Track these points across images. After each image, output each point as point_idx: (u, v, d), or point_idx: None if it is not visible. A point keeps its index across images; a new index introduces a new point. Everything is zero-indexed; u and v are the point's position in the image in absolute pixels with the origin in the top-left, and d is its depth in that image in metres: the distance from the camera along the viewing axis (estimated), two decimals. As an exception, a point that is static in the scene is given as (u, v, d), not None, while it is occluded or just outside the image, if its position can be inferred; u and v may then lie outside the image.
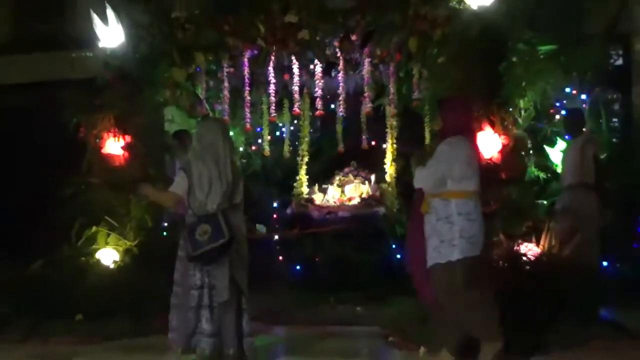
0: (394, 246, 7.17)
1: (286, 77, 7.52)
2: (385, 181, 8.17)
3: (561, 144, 6.76)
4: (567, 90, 6.89)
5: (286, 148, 8.43)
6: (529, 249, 5.76)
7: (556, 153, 6.79)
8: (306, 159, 8.48)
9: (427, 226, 4.53)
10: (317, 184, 8.37)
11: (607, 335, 5.04)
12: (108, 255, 6.58)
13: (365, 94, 7.37)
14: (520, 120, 6.26)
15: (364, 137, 8.12)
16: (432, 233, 4.48)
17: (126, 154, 6.94)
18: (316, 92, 7.37)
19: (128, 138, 6.95)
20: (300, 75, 7.32)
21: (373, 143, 8.29)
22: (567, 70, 6.47)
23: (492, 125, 6.00)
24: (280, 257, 7.48)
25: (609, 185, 6.61)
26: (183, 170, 4.64)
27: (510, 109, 6.15)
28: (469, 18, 6.16)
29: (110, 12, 6.96)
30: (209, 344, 4.48)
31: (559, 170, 6.69)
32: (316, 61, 7.23)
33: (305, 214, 7.93)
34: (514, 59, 6.15)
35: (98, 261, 6.54)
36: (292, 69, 7.26)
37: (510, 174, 6.12)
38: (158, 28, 7.00)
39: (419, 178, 4.69)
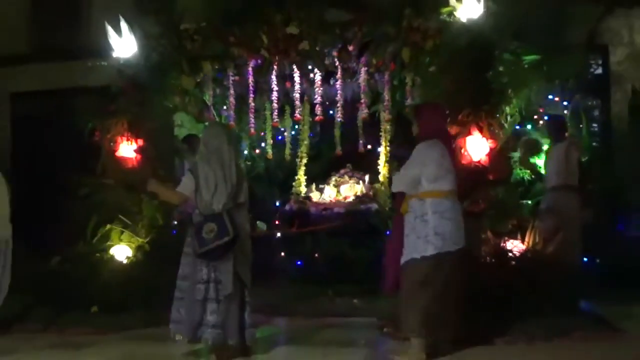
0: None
1: (288, 85, 7.52)
2: (378, 181, 8.19)
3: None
4: (550, 97, 6.91)
5: (287, 151, 8.43)
6: (515, 246, 5.78)
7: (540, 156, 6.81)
8: (305, 161, 8.48)
9: (407, 225, 4.55)
10: (314, 184, 8.37)
11: (588, 326, 5.05)
12: (121, 252, 6.57)
13: (362, 101, 7.37)
14: (506, 125, 6.27)
15: (360, 141, 8.12)
16: (410, 231, 4.50)
17: (138, 157, 6.93)
18: (316, 99, 7.37)
19: (140, 141, 6.93)
20: (301, 83, 7.32)
21: (369, 146, 8.28)
22: (549, 78, 6.48)
23: (480, 130, 6.00)
24: (281, 253, 7.47)
25: (590, 186, 6.63)
26: (190, 172, 4.65)
27: (497, 115, 6.15)
28: (459, 30, 6.16)
29: (123, 24, 6.95)
30: (214, 335, 4.50)
31: (542, 172, 6.71)
32: (316, 70, 7.23)
33: (303, 210, 7.94)
34: (501, 68, 6.15)
35: (112, 257, 6.53)
36: (294, 77, 7.27)
37: (497, 175, 6.12)
38: (168, 39, 6.99)
39: (394, 182, 4.73)
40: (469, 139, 5.98)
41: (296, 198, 8.16)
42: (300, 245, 7.43)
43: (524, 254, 5.69)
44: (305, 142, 8.45)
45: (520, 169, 6.74)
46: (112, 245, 6.61)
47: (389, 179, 7.95)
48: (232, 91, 7.32)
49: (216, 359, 4.60)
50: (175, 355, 4.86)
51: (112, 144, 6.94)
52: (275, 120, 7.61)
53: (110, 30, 6.98)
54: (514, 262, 5.58)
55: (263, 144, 8.44)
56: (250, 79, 7.22)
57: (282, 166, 8.67)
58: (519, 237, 5.87)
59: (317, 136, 8.75)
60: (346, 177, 8.31)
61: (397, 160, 5.42)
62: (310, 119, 8.23)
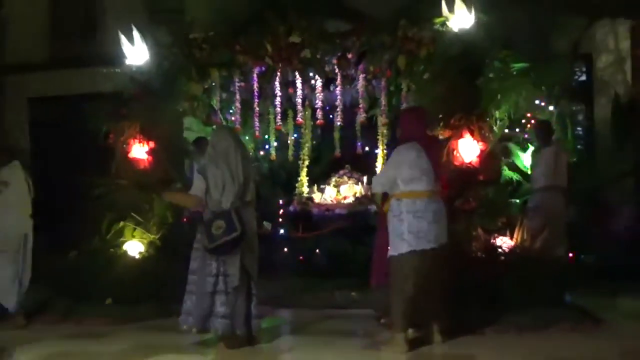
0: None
1: (290, 90, 7.52)
2: (376, 182, 8.18)
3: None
4: (537, 102, 6.93)
5: (290, 153, 8.43)
6: (504, 242, 5.80)
7: (527, 158, 6.83)
8: (307, 162, 8.49)
9: (388, 223, 4.56)
10: (315, 185, 8.38)
11: (573, 317, 5.07)
12: (134, 247, 6.59)
13: (360, 106, 7.38)
14: (495, 129, 6.29)
15: (358, 143, 8.13)
16: (390, 229, 4.52)
17: (150, 158, 6.95)
18: (317, 103, 7.37)
19: (152, 144, 6.96)
20: (302, 89, 7.33)
21: (367, 149, 8.30)
22: (537, 85, 6.49)
23: (472, 133, 6.02)
24: (285, 249, 7.49)
25: (575, 187, 6.66)
26: (200, 173, 4.68)
27: (487, 119, 6.17)
28: (451, 39, 6.18)
29: (136, 34, 6.97)
30: (223, 325, 4.51)
31: (529, 172, 6.73)
32: (317, 77, 7.24)
33: (305, 212, 7.95)
34: (491, 75, 6.17)
35: (125, 252, 6.55)
36: (296, 83, 7.27)
37: (487, 176, 6.15)
38: (178, 48, 7.00)
39: (373, 183, 4.77)
40: (460, 141, 6.00)
41: (299, 199, 8.16)
42: (302, 241, 7.44)
43: (512, 249, 5.71)
44: (308, 145, 8.46)
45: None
46: (125, 241, 6.63)
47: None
48: (238, 96, 7.32)
49: (225, 347, 4.62)
50: (185, 344, 4.89)
51: (125, 146, 6.95)
52: (278, 124, 7.62)
53: (123, 39, 7.00)
54: (503, 258, 5.60)
55: (267, 146, 8.45)
56: (255, 85, 7.22)
57: (285, 167, 8.67)
58: (508, 234, 5.89)
59: (317, 139, 8.76)
60: (345, 178, 8.30)
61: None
62: (312, 123, 8.23)
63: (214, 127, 7.13)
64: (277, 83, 7.24)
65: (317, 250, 7.26)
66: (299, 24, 6.78)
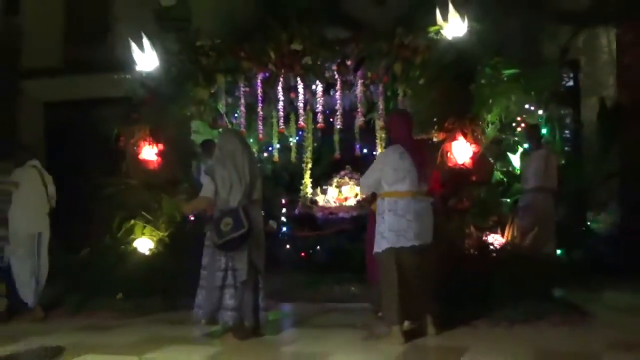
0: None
1: (292, 95, 7.52)
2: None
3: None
4: (527, 106, 6.94)
5: (292, 155, 8.43)
6: (495, 240, 5.81)
7: (517, 159, 6.83)
8: (310, 165, 8.48)
9: (376, 221, 4.57)
10: (319, 187, 8.37)
11: (561, 311, 5.06)
12: (143, 244, 6.61)
13: (359, 110, 7.37)
14: (487, 132, 6.30)
15: (357, 145, 8.12)
16: (376, 227, 4.52)
17: (159, 160, 6.97)
18: (317, 108, 7.37)
19: (161, 146, 6.98)
20: (304, 94, 7.32)
21: (365, 151, 8.30)
22: (526, 90, 6.51)
23: (465, 136, 6.03)
24: (288, 246, 7.49)
25: (564, 187, 6.66)
26: (208, 174, 4.69)
27: (480, 122, 6.18)
28: (445, 47, 6.20)
29: (146, 41, 6.99)
30: (232, 317, 4.53)
31: (519, 173, 6.73)
32: (317, 82, 7.25)
33: (310, 215, 7.93)
34: (483, 81, 6.19)
35: (135, 249, 6.57)
36: (298, 88, 7.28)
37: (480, 176, 6.15)
38: (186, 54, 7.03)
39: (360, 184, 4.79)
40: (454, 143, 6.02)
41: (304, 202, 8.15)
42: (305, 239, 7.44)
43: (503, 247, 5.72)
44: (309, 148, 8.45)
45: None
46: (135, 239, 6.65)
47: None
48: (242, 101, 7.33)
49: (234, 338, 4.63)
50: (194, 336, 4.90)
51: (135, 148, 6.98)
52: (281, 127, 7.63)
53: (134, 46, 7.01)
54: (494, 254, 5.61)
55: (270, 148, 8.45)
56: (259, 90, 7.23)
57: (288, 168, 8.66)
58: (499, 232, 5.90)
59: (318, 141, 8.75)
60: (346, 178, 8.29)
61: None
62: (313, 126, 8.23)
63: (221, 130, 7.12)
64: (279, 88, 7.25)
65: (318, 247, 7.26)
66: (300, 32, 6.80)
